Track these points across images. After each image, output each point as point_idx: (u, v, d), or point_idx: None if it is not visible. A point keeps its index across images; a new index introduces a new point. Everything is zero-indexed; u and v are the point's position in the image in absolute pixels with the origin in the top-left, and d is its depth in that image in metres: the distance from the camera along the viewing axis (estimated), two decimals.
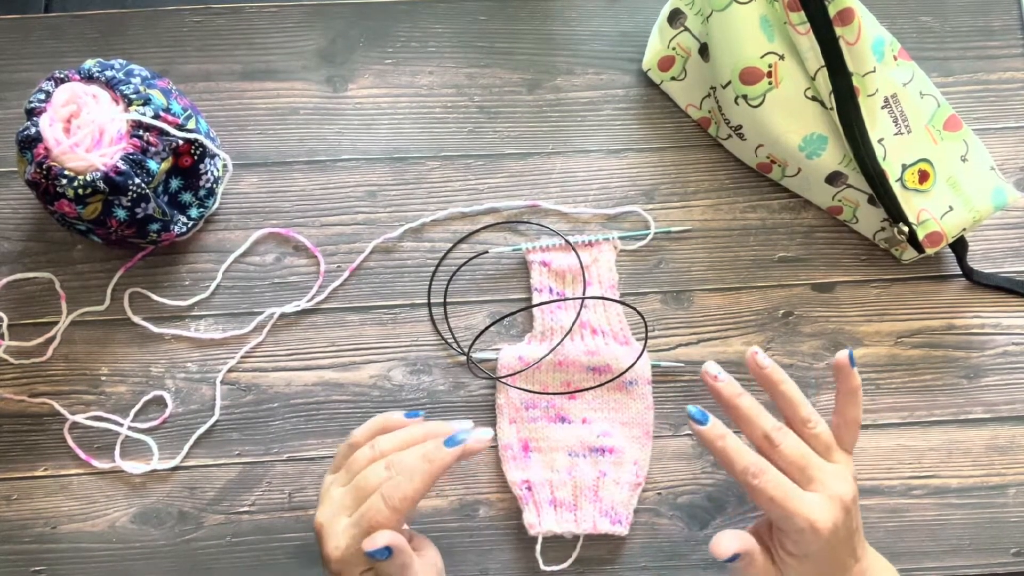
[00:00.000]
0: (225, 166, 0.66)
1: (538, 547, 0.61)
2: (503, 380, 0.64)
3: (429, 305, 0.67)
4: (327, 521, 0.50)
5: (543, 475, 0.63)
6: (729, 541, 0.51)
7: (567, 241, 0.66)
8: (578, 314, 0.65)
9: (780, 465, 0.52)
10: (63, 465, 0.64)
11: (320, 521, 0.50)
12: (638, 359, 0.64)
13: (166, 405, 0.65)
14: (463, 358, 0.66)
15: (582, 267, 0.66)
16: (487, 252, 0.68)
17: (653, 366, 0.65)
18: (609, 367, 0.64)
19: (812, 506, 0.50)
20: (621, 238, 0.68)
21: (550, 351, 0.64)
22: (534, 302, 0.66)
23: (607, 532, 0.61)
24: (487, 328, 0.65)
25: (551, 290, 0.66)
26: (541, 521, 0.61)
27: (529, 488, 0.62)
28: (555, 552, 0.62)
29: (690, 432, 0.65)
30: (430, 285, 0.67)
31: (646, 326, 0.65)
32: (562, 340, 0.65)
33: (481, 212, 0.69)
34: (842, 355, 0.54)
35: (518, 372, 0.64)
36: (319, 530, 0.50)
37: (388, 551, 0.48)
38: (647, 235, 0.68)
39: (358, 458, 0.52)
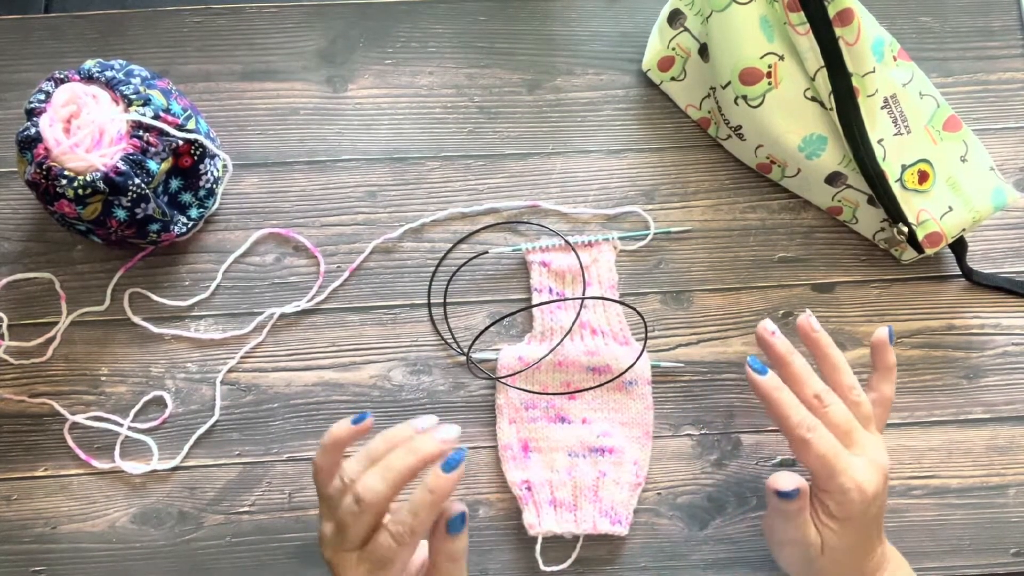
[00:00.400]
0: (225, 166, 0.66)
1: (538, 547, 0.61)
2: (503, 380, 0.64)
3: (429, 305, 0.67)
4: (333, 556, 0.49)
5: (543, 475, 0.63)
6: (789, 477, 0.53)
7: (567, 241, 0.66)
8: (578, 314, 0.65)
9: (826, 426, 0.53)
10: (63, 465, 0.64)
11: (328, 558, 0.50)
12: (638, 359, 0.64)
13: (166, 405, 0.65)
14: (463, 358, 0.66)
15: (582, 267, 0.66)
16: (487, 252, 0.68)
17: (653, 366, 0.65)
18: (609, 367, 0.64)
19: (859, 468, 0.52)
20: (621, 238, 0.68)
21: (550, 351, 0.64)
22: (534, 302, 0.66)
23: (607, 532, 0.61)
24: (487, 328, 0.65)
25: (551, 290, 0.66)
26: (541, 521, 0.61)
27: (529, 488, 0.62)
28: (555, 552, 0.62)
29: (690, 432, 0.65)
30: (430, 285, 0.67)
31: (646, 326, 0.65)
32: (562, 340, 0.65)
33: (481, 212, 0.69)
34: (881, 332, 0.57)
35: (518, 372, 0.64)
36: (331, 565, 0.50)
37: (463, 521, 0.49)
38: (647, 235, 0.68)
39: (332, 494, 0.50)
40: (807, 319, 0.57)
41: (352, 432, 0.51)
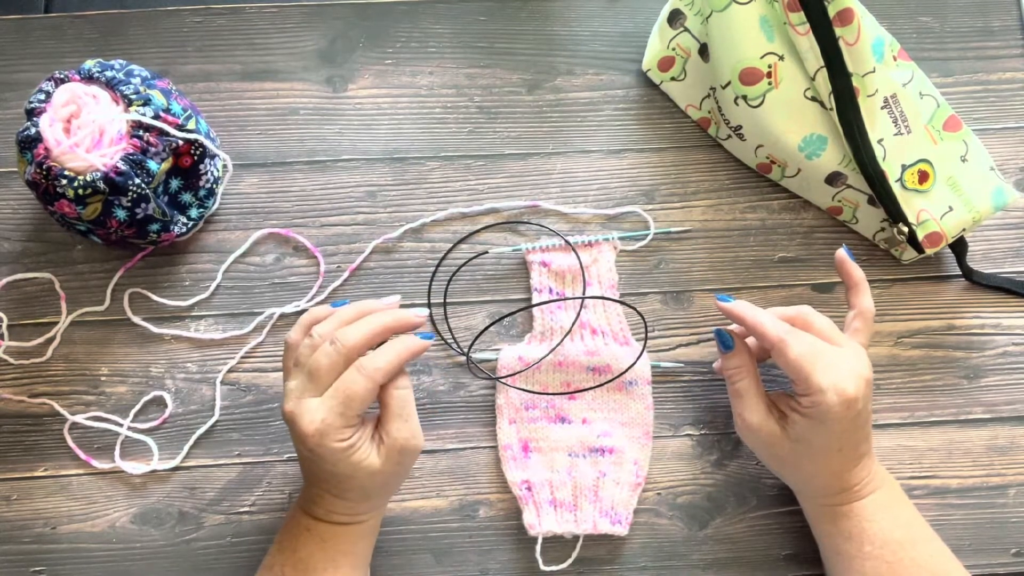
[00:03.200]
0: (225, 166, 0.66)
1: (538, 547, 0.61)
2: (503, 380, 0.64)
3: (429, 305, 0.67)
4: (295, 406, 0.51)
5: (543, 475, 0.63)
6: (730, 326, 0.59)
7: (567, 242, 0.66)
8: (578, 314, 0.65)
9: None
10: (63, 465, 0.64)
11: (289, 409, 0.51)
12: (638, 359, 0.64)
13: (166, 405, 0.65)
14: (463, 358, 0.66)
15: (582, 267, 0.66)
16: (487, 252, 0.68)
17: (653, 367, 0.65)
18: (609, 367, 0.64)
19: (839, 371, 0.53)
20: (621, 238, 0.68)
21: (550, 351, 0.64)
22: (534, 302, 0.66)
23: (607, 532, 0.61)
24: (487, 328, 0.65)
25: (551, 290, 0.66)
26: (541, 521, 0.61)
27: (529, 488, 0.62)
28: (555, 552, 0.62)
29: (690, 432, 0.65)
30: (430, 285, 0.67)
31: (646, 326, 0.65)
32: (562, 340, 0.65)
33: (481, 212, 0.69)
34: (840, 252, 0.60)
35: (518, 372, 0.64)
36: (290, 416, 0.51)
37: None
38: (647, 235, 0.68)
39: (303, 351, 0.52)
40: (717, 301, 0.59)
41: (330, 312, 0.54)
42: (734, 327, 0.60)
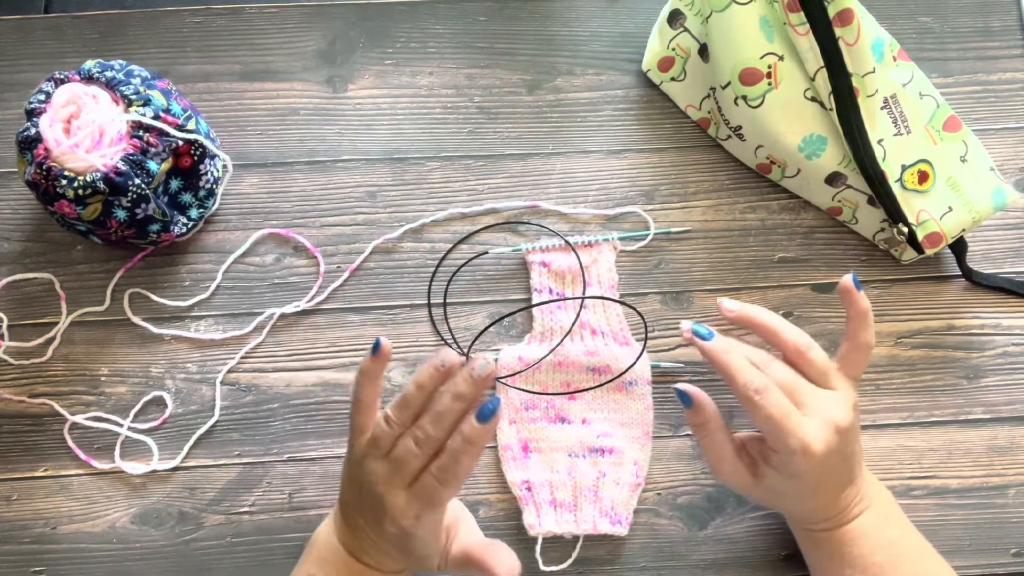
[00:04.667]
0: (225, 167, 0.66)
1: (538, 547, 0.61)
2: (503, 380, 0.64)
3: (429, 306, 0.67)
4: (388, 493, 0.50)
5: (543, 475, 0.63)
6: (691, 387, 0.54)
7: (567, 242, 0.66)
8: (578, 314, 0.65)
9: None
10: (63, 465, 0.64)
11: (382, 492, 0.50)
12: (638, 359, 0.64)
13: (166, 405, 0.65)
14: (463, 359, 0.66)
15: (582, 267, 0.66)
16: (487, 253, 0.68)
17: (653, 367, 0.65)
18: (609, 367, 0.64)
19: (808, 429, 0.51)
20: (621, 239, 0.68)
21: (550, 351, 0.64)
22: (534, 302, 0.66)
23: (607, 532, 0.61)
24: (487, 328, 0.65)
25: (551, 291, 0.66)
26: (541, 522, 0.61)
27: (529, 488, 0.62)
28: (555, 552, 0.62)
29: (690, 432, 0.65)
30: (430, 286, 0.67)
31: (646, 326, 0.65)
32: (562, 340, 0.65)
33: (481, 213, 0.69)
34: (846, 279, 0.55)
35: (518, 372, 0.64)
36: (381, 499, 0.50)
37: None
38: (647, 236, 0.68)
39: (381, 436, 0.51)
40: (722, 306, 0.56)
41: (378, 363, 0.52)
42: (691, 387, 0.55)
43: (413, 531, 0.50)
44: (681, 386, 0.55)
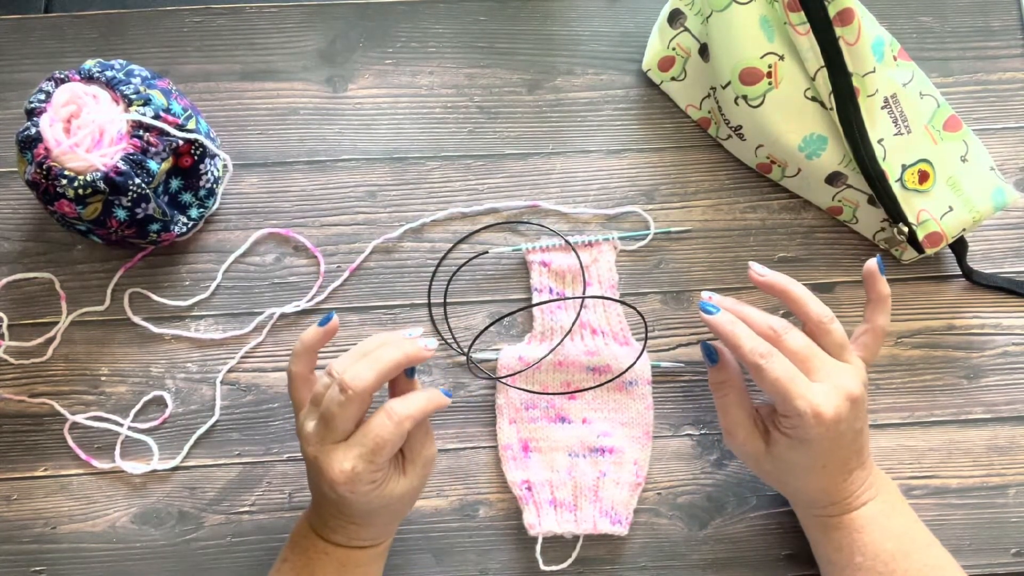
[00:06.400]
0: (225, 166, 0.66)
1: (538, 547, 0.61)
2: (503, 380, 0.64)
3: (429, 305, 0.67)
4: (318, 451, 0.51)
5: (543, 475, 0.62)
6: (715, 342, 0.57)
7: (567, 242, 0.66)
8: (578, 314, 0.65)
9: (784, 354, 0.54)
10: (63, 465, 0.64)
11: (313, 454, 0.51)
12: (638, 359, 0.64)
13: (166, 405, 0.65)
14: (463, 358, 0.66)
15: (582, 267, 0.66)
16: (487, 252, 0.67)
17: (653, 366, 0.65)
18: (609, 367, 0.64)
19: (816, 392, 0.52)
20: (621, 238, 0.68)
21: (550, 351, 0.64)
22: (534, 302, 0.66)
23: (607, 532, 0.61)
24: (486, 328, 0.65)
25: (551, 290, 0.66)
26: (541, 521, 0.61)
27: (529, 488, 0.62)
28: (555, 552, 0.62)
29: (690, 432, 0.65)
30: (430, 285, 0.67)
31: (646, 326, 0.65)
32: (562, 340, 0.65)
33: (481, 212, 0.69)
34: (871, 263, 0.57)
35: (518, 372, 0.64)
36: (315, 462, 0.51)
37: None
38: (647, 235, 0.68)
39: (319, 391, 0.52)
40: (751, 272, 0.58)
41: (321, 334, 0.54)
42: (719, 343, 0.58)
43: (353, 490, 0.50)
44: (709, 342, 0.57)
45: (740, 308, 0.56)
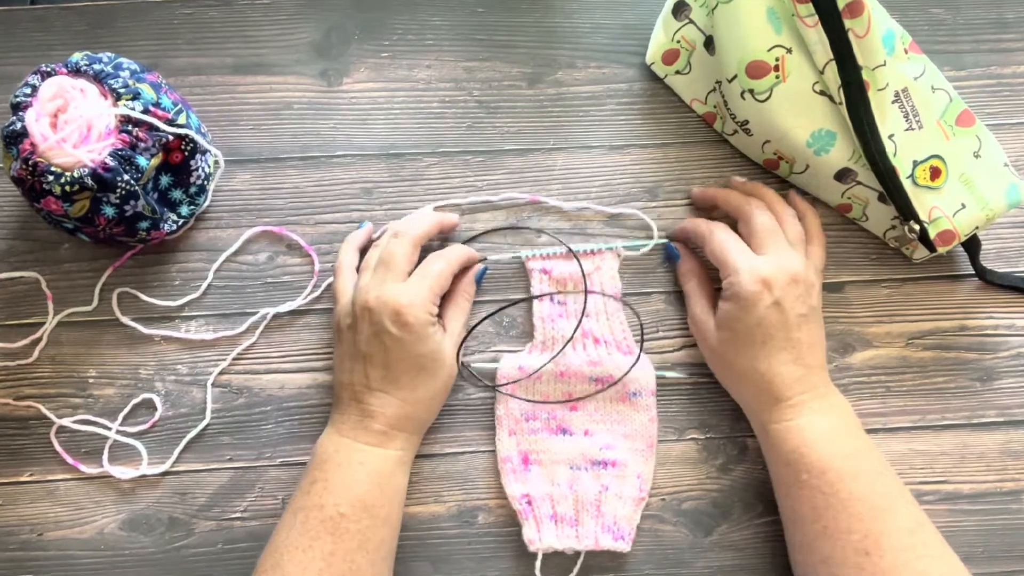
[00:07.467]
0: (216, 162, 0.65)
1: (538, 563, 0.60)
2: (499, 389, 0.63)
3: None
4: (380, 292, 0.57)
5: (544, 489, 0.61)
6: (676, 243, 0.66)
7: (569, 249, 0.65)
8: (579, 322, 0.64)
9: (748, 229, 0.61)
10: (50, 470, 0.63)
11: (375, 295, 0.57)
12: (637, 360, 0.62)
13: (156, 408, 0.64)
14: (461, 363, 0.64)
15: (583, 272, 0.65)
16: (485, 259, 0.66)
17: (658, 377, 0.63)
18: (612, 377, 0.63)
19: (758, 260, 0.58)
20: (624, 247, 0.66)
21: (551, 359, 0.63)
22: (534, 308, 0.64)
23: (609, 548, 0.60)
24: (476, 325, 0.64)
25: (551, 298, 0.65)
26: (541, 537, 0.60)
27: (529, 502, 0.61)
28: (555, 561, 0.61)
29: (695, 436, 0.64)
30: None
31: (642, 328, 0.64)
32: (563, 348, 0.63)
33: (480, 209, 0.67)
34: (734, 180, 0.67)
35: (518, 381, 0.63)
36: (378, 300, 0.57)
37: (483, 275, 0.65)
38: (649, 244, 0.66)
39: (372, 253, 0.61)
40: (734, 179, 0.67)
41: (363, 235, 0.64)
42: (679, 244, 0.66)
43: (417, 316, 0.56)
44: (670, 243, 0.66)
45: (718, 193, 0.65)
